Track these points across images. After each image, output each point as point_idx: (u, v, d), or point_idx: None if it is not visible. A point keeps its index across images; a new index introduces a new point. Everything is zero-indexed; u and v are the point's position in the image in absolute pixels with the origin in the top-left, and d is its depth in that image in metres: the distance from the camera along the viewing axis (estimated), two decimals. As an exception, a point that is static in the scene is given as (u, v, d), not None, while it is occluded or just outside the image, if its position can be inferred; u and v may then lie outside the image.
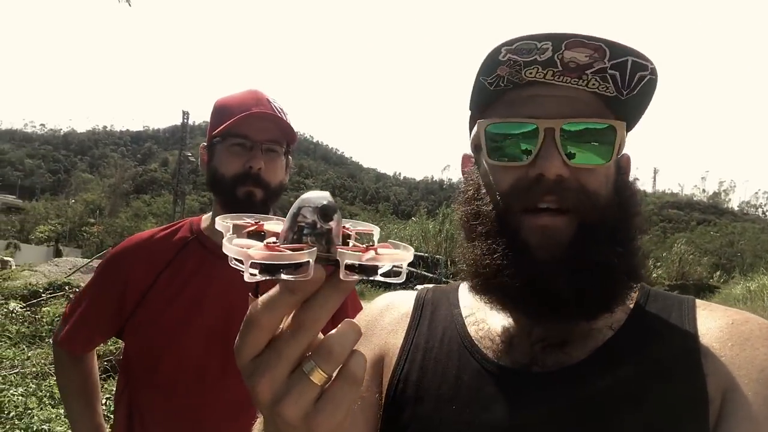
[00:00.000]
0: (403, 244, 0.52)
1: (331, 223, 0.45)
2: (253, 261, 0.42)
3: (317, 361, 0.46)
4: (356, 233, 0.52)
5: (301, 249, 0.43)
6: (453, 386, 0.83)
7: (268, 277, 0.43)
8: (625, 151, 0.87)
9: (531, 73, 0.80)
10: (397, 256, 0.47)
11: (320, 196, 0.46)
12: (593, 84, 0.80)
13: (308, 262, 0.43)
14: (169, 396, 1.51)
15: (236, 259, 0.44)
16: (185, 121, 40.76)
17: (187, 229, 1.67)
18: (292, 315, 0.47)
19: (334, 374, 0.47)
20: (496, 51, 0.79)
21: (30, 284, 9.26)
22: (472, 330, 0.89)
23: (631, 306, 0.85)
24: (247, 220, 0.52)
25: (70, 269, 12.94)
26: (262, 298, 0.46)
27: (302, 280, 0.43)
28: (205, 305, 1.52)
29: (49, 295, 8.74)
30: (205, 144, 1.66)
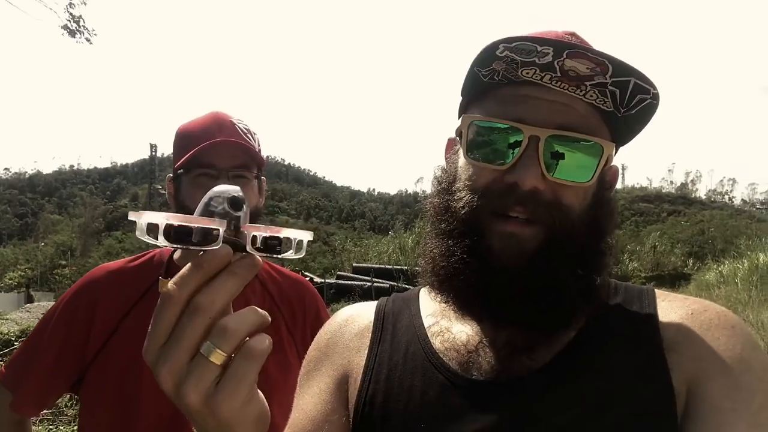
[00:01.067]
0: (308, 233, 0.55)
1: (239, 212, 0.48)
2: (168, 223, 0.44)
3: (214, 341, 0.46)
4: (285, 237, 0.54)
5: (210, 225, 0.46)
6: (419, 404, 0.81)
7: (178, 246, 0.45)
8: (613, 162, 0.86)
9: (528, 73, 0.76)
10: (297, 232, 0.52)
11: (230, 189, 0.49)
12: (591, 95, 0.76)
13: (218, 231, 0.45)
14: None
15: (148, 232, 0.45)
16: (153, 153, 40.33)
17: (159, 261, 1.57)
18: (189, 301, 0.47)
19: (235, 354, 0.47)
20: (494, 46, 0.76)
21: (1, 333, 8.97)
22: (436, 342, 0.87)
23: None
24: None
25: (42, 314, 12.57)
26: (173, 279, 0.47)
27: (210, 256, 0.46)
28: None
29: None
30: (171, 176, 1.57)
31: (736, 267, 15.49)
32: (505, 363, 0.79)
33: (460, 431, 0.76)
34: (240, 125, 1.55)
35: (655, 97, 0.75)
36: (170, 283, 0.47)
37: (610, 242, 0.82)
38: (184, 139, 1.54)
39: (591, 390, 0.75)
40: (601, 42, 0.83)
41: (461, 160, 0.84)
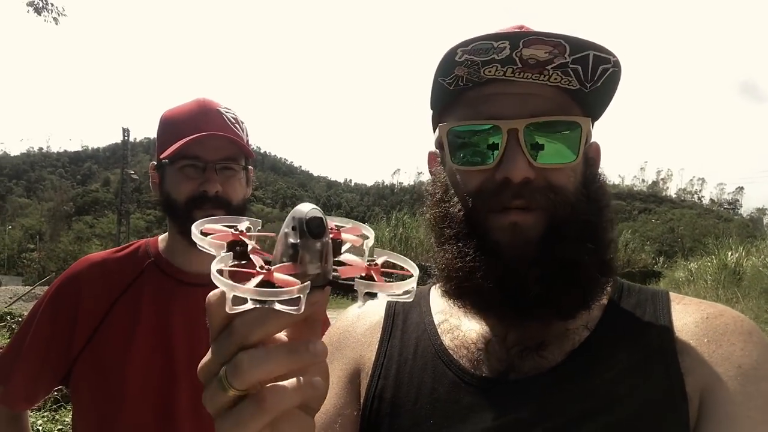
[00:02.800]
0: (403, 258, 0.51)
1: (321, 239, 0.43)
2: (253, 298, 0.42)
3: (227, 371, 0.44)
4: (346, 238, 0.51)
5: (296, 272, 0.43)
6: (429, 401, 0.80)
7: (257, 305, 0.43)
8: (606, 139, 0.87)
9: (490, 72, 0.78)
10: (404, 283, 0.47)
11: (305, 212, 0.44)
12: (555, 78, 0.77)
13: (300, 297, 0.42)
14: None
15: (233, 303, 0.43)
16: (126, 138, 39.58)
17: (144, 252, 1.51)
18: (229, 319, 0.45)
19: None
20: (452, 53, 0.77)
21: (-34, 317, 8.75)
22: (446, 339, 0.86)
23: (606, 302, 0.83)
24: (219, 226, 0.50)
25: (10, 298, 12.35)
26: (248, 316, 0.44)
27: (282, 317, 0.43)
28: (168, 343, 1.39)
29: (-12, 328, 8.26)
30: (155, 164, 1.53)
31: (705, 265, 15.85)
32: (515, 361, 0.79)
33: (469, 429, 0.76)
34: (227, 114, 1.50)
35: (616, 65, 0.76)
36: (246, 322, 0.44)
37: (609, 216, 0.82)
38: (169, 127, 1.49)
39: (601, 391, 0.74)
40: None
41: (448, 167, 0.84)
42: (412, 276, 0.49)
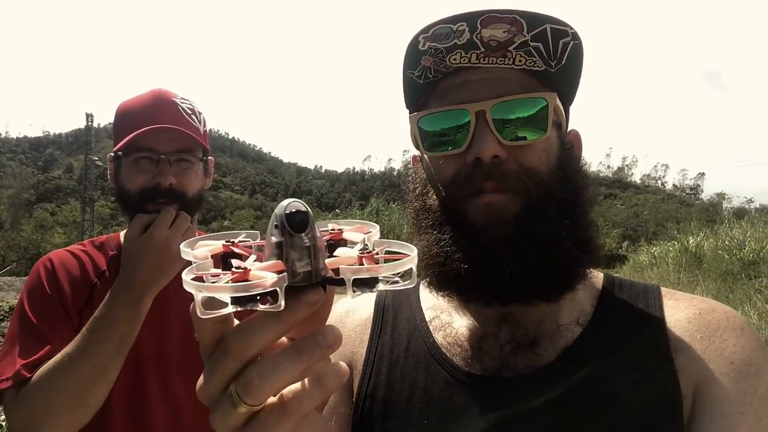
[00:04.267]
0: (403, 243, 0.48)
1: (306, 234, 0.40)
2: (211, 295, 0.40)
3: (238, 391, 0.41)
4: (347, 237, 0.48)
5: (279, 269, 0.40)
6: (422, 400, 0.80)
7: (238, 309, 0.40)
8: (572, 127, 0.87)
9: (455, 60, 0.79)
10: (397, 264, 0.43)
11: (284, 206, 0.41)
12: (520, 61, 0.78)
13: (275, 291, 0.39)
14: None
15: (205, 307, 0.40)
16: (90, 123, 38.55)
17: (107, 245, 1.54)
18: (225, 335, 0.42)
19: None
20: (415, 41, 0.78)
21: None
22: (438, 336, 0.85)
23: (597, 297, 0.84)
24: (214, 242, 0.46)
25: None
26: (239, 330, 0.41)
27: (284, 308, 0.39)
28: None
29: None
30: (112, 155, 1.51)
31: (667, 249, 16.30)
32: (509, 359, 0.78)
33: (463, 429, 0.76)
34: (183, 105, 1.49)
35: (575, 36, 0.77)
36: (236, 333, 0.41)
37: (588, 197, 0.82)
38: (125, 117, 1.48)
39: (597, 389, 0.74)
40: None
41: (424, 161, 0.85)
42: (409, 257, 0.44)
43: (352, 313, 0.96)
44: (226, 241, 0.45)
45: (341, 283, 0.42)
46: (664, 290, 0.85)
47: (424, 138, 0.83)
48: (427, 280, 0.82)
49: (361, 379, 0.86)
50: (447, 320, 0.87)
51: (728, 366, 0.72)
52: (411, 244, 0.76)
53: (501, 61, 0.78)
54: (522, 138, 0.77)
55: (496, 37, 0.75)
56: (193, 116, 1.49)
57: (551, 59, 0.78)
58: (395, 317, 0.92)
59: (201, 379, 0.44)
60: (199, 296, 0.40)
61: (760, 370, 0.72)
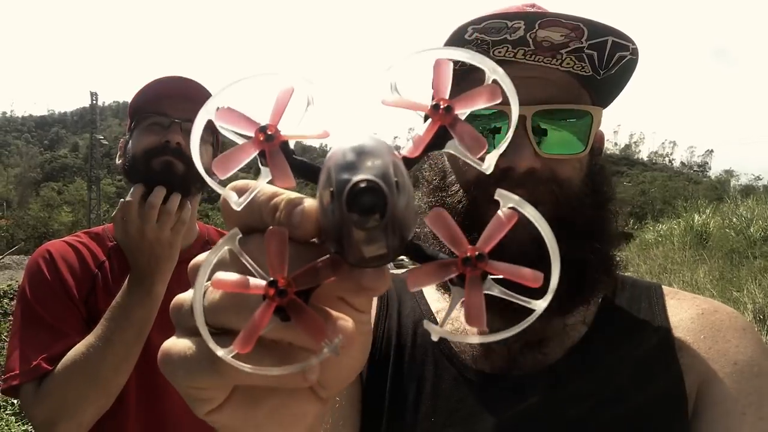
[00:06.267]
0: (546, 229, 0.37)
1: (377, 215, 0.27)
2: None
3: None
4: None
5: (340, 266, 0.30)
6: (430, 395, 0.79)
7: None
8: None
9: (500, 53, 0.74)
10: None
11: (346, 172, 0.27)
12: (568, 63, 0.74)
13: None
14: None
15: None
16: (94, 102, 38.57)
17: (104, 235, 1.51)
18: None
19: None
20: (462, 30, 0.73)
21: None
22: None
23: (600, 296, 0.83)
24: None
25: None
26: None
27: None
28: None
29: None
30: (124, 138, 1.51)
31: (672, 227, 16.21)
32: (517, 357, 0.78)
33: (472, 426, 0.75)
34: (206, 89, 1.47)
35: (635, 53, 0.73)
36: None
37: (613, 209, 0.80)
38: (146, 89, 1.46)
39: (603, 388, 0.74)
40: (557, 4, 0.83)
41: (443, 154, 0.81)
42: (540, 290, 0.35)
43: None
44: (261, 134, 0.32)
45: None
46: (666, 289, 0.84)
47: None
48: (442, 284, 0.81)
49: (368, 365, 0.84)
50: (454, 315, 0.83)
51: (731, 366, 0.72)
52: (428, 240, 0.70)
53: (548, 61, 0.73)
54: (561, 152, 0.74)
55: (550, 38, 0.71)
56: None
57: (601, 67, 0.75)
58: (400, 304, 0.90)
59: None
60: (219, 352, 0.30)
61: (762, 370, 0.72)
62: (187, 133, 1.38)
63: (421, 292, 0.90)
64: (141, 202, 1.27)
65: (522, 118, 0.72)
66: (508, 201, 0.36)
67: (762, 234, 11.70)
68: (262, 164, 0.32)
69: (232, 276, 0.30)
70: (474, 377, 0.78)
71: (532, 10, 0.73)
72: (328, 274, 0.30)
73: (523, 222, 0.59)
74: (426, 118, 0.33)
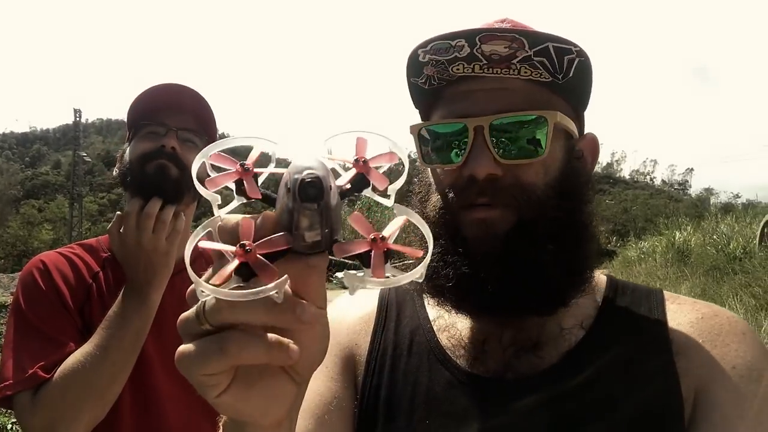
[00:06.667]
0: (423, 223, 0.49)
1: (319, 203, 0.38)
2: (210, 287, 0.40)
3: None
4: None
5: (289, 243, 0.41)
6: (425, 400, 0.80)
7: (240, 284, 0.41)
8: (589, 131, 0.87)
9: (458, 69, 0.78)
10: (408, 275, 0.44)
11: (301, 169, 0.39)
12: (525, 72, 0.76)
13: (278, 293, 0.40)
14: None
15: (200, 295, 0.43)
16: (78, 119, 38.21)
17: (98, 246, 1.50)
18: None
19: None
20: (414, 54, 0.78)
21: None
22: (442, 337, 0.85)
23: (600, 301, 0.84)
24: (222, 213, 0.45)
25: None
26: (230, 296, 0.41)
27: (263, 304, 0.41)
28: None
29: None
30: (121, 151, 1.53)
31: (654, 244, 16.41)
32: (512, 361, 0.79)
33: (466, 430, 0.76)
34: (203, 100, 1.52)
35: (580, 54, 0.75)
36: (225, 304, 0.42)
37: (588, 212, 0.81)
38: (144, 97, 1.48)
39: (599, 392, 0.74)
40: (530, 22, 0.83)
41: (427, 169, 0.86)
42: (422, 258, 0.44)
43: (355, 306, 0.96)
44: (241, 167, 0.45)
45: (352, 259, 0.42)
46: (667, 294, 0.85)
47: (422, 148, 0.83)
48: (423, 286, 0.82)
49: (364, 373, 0.86)
50: (451, 321, 0.86)
51: (730, 370, 0.72)
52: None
53: (506, 71, 0.76)
54: (519, 157, 0.76)
55: (497, 51, 0.74)
56: (210, 110, 1.52)
57: (557, 72, 0.76)
58: (399, 314, 0.92)
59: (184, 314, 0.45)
60: (199, 290, 0.41)
61: (762, 375, 0.72)
62: (183, 140, 1.43)
63: (422, 303, 0.92)
64: (138, 213, 1.29)
65: (480, 129, 0.76)
66: (402, 211, 0.47)
67: (741, 251, 11.88)
68: (237, 194, 0.45)
69: (214, 243, 0.42)
70: (468, 381, 0.79)
71: (470, 27, 0.76)
72: (282, 243, 0.40)
73: (490, 230, 0.75)
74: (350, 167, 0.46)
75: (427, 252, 0.44)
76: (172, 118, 1.44)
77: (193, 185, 1.49)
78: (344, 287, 0.42)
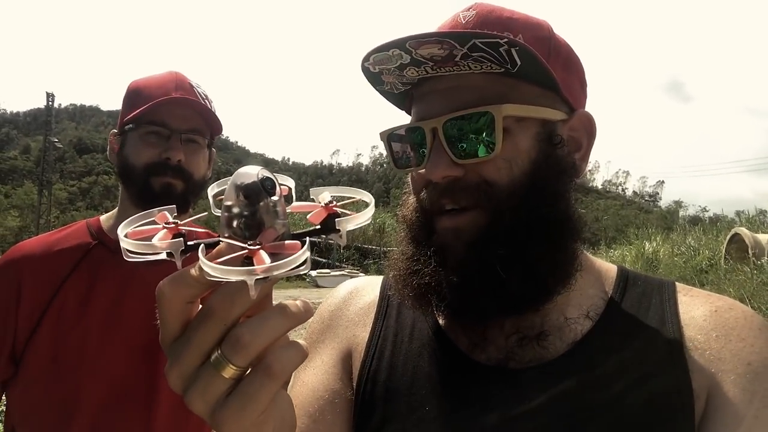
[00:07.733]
0: (348, 188, 0.52)
1: (255, 205, 0.41)
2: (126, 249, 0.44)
3: (225, 352, 0.41)
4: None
5: (276, 236, 0.42)
6: (424, 385, 0.78)
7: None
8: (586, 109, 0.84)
9: (413, 73, 0.76)
10: (366, 212, 0.47)
11: (254, 174, 0.43)
12: (476, 66, 0.72)
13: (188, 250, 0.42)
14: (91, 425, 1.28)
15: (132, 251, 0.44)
16: (50, 103, 37.30)
17: (85, 233, 1.43)
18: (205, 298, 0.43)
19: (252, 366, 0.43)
20: (364, 67, 0.78)
21: None
22: (444, 323, 0.84)
23: (610, 291, 0.82)
24: (157, 220, 0.47)
25: None
26: (171, 275, 0.43)
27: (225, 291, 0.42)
28: (124, 316, 1.32)
29: None
30: (116, 131, 1.48)
31: (624, 254, 16.72)
32: (515, 350, 0.76)
33: (465, 417, 0.74)
34: (198, 89, 1.47)
35: (512, 43, 0.69)
36: (167, 281, 0.43)
37: (565, 203, 0.78)
38: (137, 93, 1.45)
39: (606, 385, 0.72)
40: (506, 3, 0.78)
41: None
42: (368, 205, 0.49)
43: (355, 295, 0.95)
44: (168, 223, 0.46)
45: (314, 232, 0.46)
46: (679, 286, 0.82)
47: (392, 153, 0.84)
48: (398, 290, 0.81)
49: (363, 360, 0.85)
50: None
51: (744, 367, 0.69)
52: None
53: (457, 68, 0.73)
54: (473, 155, 0.74)
55: (435, 54, 0.71)
56: (206, 101, 1.48)
57: (504, 63, 0.71)
58: (400, 302, 0.88)
59: (169, 363, 0.44)
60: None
61: None
62: (186, 141, 1.40)
63: None
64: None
65: (435, 131, 0.74)
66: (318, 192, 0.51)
67: (707, 263, 12.18)
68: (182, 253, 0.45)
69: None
70: (469, 368, 0.78)
71: (399, 37, 0.72)
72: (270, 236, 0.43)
73: (461, 238, 0.74)
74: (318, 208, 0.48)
75: (370, 200, 0.50)
76: (174, 116, 1.40)
77: (198, 191, 1.45)
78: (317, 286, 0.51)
